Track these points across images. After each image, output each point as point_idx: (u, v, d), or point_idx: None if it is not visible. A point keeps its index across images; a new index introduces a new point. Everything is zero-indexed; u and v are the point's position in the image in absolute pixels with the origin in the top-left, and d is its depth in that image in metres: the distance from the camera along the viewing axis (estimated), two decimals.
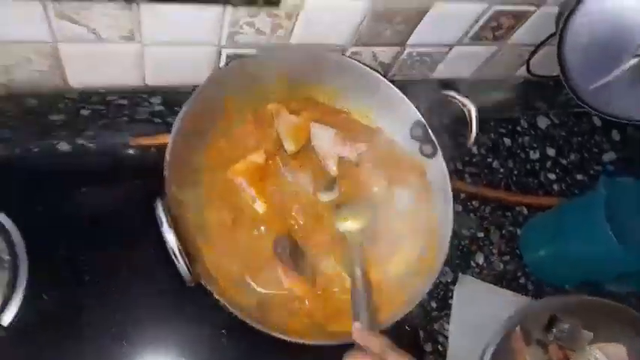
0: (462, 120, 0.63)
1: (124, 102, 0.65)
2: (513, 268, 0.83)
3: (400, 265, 0.61)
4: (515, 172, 0.92)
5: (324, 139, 0.64)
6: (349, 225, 0.62)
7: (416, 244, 0.62)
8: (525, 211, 0.88)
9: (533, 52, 0.75)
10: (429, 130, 0.62)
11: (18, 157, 0.66)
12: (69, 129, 0.68)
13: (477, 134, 0.60)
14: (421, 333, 0.74)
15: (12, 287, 0.56)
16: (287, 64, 0.61)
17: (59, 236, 0.61)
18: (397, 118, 0.64)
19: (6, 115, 0.62)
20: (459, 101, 0.58)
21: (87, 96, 0.62)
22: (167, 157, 0.51)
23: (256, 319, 0.51)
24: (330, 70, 0.63)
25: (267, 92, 0.62)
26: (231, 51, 0.61)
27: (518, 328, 0.68)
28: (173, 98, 0.66)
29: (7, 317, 0.55)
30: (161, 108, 0.68)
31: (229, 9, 0.54)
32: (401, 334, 0.72)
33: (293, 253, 0.60)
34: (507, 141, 0.94)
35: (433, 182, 0.63)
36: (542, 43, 0.73)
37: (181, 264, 0.44)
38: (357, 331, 0.53)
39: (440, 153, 0.62)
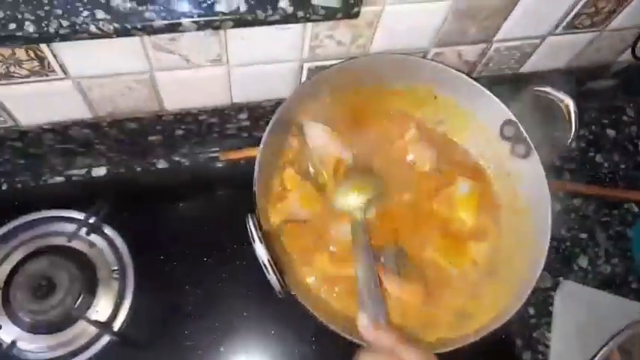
0: (557, 114, 0.59)
1: (214, 120, 0.69)
2: (623, 272, 0.76)
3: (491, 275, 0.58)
4: (622, 166, 0.84)
5: (318, 137, 0.60)
6: (351, 200, 0.58)
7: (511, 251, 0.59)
8: (635, 208, 0.80)
9: (639, 38, 0.68)
10: (522, 129, 0.59)
11: (123, 175, 0.72)
12: (166, 148, 0.72)
13: (577, 132, 0.55)
14: (518, 342, 0.70)
15: (121, 296, 0.61)
16: (367, 72, 0.61)
17: (160, 248, 0.66)
18: (486, 119, 0.61)
19: (111, 138, 0.67)
20: (555, 97, 0.54)
21: (181, 117, 0.66)
22: (256, 172, 0.52)
23: (348, 329, 0.51)
24: (412, 74, 0.61)
25: (349, 102, 0.62)
26: (312, 64, 0.62)
27: (615, 351, 0.61)
28: (258, 113, 0.69)
29: (118, 322, 0.60)
30: (247, 123, 0.71)
31: (309, 25, 0.55)
32: (496, 342, 0.69)
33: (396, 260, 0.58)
34: (611, 132, 0.87)
35: (527, 184, 0.59)
36: None
37: (272, 276, 0.45)
38: (364, 326, 0.46)
39: (534, 152, 0.58)
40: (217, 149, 0.75)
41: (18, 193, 0.69)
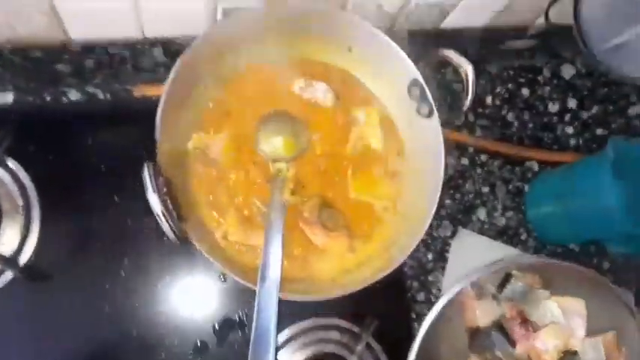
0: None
1: (127, 53, 0.66)
2: (515, 224, 0.83)
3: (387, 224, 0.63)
4: (531, 125, 0.89)
5: None
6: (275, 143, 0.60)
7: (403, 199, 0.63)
8: (536, 167, 0.86)
9: (552, 2, 0.70)
10: (427, 90, 0.61)
11: (31, 104, 0.69)
12: (77, 78, 0.69)
13: (474, 96, 0.58)
14: (415, 283, 0.76)
15: (26, 230, 0.61)
16: (281, 18, 0.60)
17: (68, 182, 0.65)
18: (396, 76, 0.63)
19: (15, 66, 0.64)
20: (455, 62, 0.56)
21: (89, 48, 0.63)
22: (158, 119, 0.52)
23: (245, 276, 0.54)
24: (326, 25, 0.61)
25: (258, 48, 0.62)
26: (227, 4, 0.60)
27: (468, 284, 0.69)
28: (174, 49, 0.67)
29: (23, 258, 0.61)
30: (164, 59, 0.69)
31: None
32: (391, 282, 0.75)
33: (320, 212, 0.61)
34: (526, 92, 0.90)
35: (427, 143, 0.62)
36: None
37: (166, 227, 0.46)
38: None
39: (436, 114, 0.61)
40: (132, 83, 0.73)
41: None
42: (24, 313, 0.61)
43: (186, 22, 0.62)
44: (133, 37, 0.64)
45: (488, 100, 0.88)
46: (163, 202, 0.47)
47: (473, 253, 0.79)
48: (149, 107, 0.71)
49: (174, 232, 0.47)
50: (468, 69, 0.55)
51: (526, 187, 0.85)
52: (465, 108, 0.57)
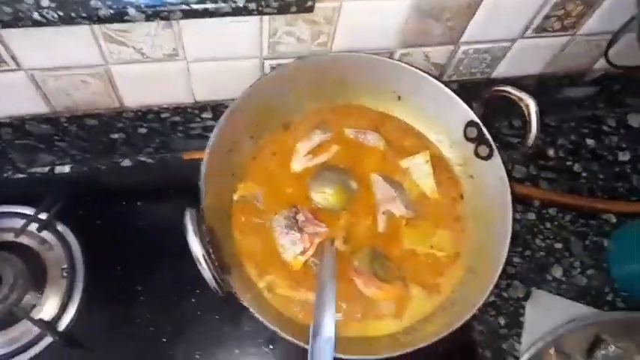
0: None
1: (178, 119, 0.68)
2: (599, 284, 0.73)
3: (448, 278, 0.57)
4: (601, 176, 0.82)
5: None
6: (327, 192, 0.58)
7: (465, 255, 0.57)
8: (614, 219, 0.78)
9: (612, 41, 0.67)
10: (485, 131, 0.57)
11: (86, 173, 0.71)
12: (130, 147, 0.71)
13: (538, 133, 0.53)
14: (487, 352, 0.67)
15: (69, 295, 0.59)
16: (328, 70, 0.60)
17: (115, 247, 0.64)
18: (450, 120, 0.60)
19: (71, 135, 0.66)
20: (515, 96, 0.53)
21: (142, 115, 0.65)
22: (203, 166, 0.51)
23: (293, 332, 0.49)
24: (374, 74, 0.60)
25: (310, 99, 0.61)
26: (274, 62, 0.61)
27: (552, 351, 0.61)
28: (222, 112, 0.67)
29: (63, 323, 0.58)
30: (212, 123, 0.69)
31: (266, 19, 0.54)
32: (463, 351, 0.66)
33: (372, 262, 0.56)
34: (591, 142, 0.85)
35: (490, 186, 0.57)
36: (622, 30, 0.65)
37: (207, 272, 0.43)
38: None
39: (497, 154, 0.56)
40: (182, 148, 0.74)
41: None
42: None
43: (234, 83, 0.62)
44: (184, 102, 0.65)
45: (551, 151, 0.83)
46: (205, 249, 0.44)
47: (552, 317, 0.69)
48: (197, 170, 0.72)
49: (215, 280, 0.43)
50: (529, 102, 0.51)
51: (606, 242, 0.76)
52: (530, 143, 0.52)
